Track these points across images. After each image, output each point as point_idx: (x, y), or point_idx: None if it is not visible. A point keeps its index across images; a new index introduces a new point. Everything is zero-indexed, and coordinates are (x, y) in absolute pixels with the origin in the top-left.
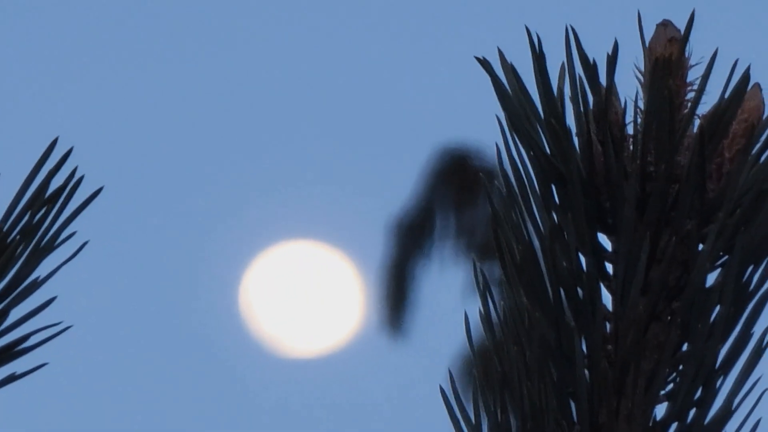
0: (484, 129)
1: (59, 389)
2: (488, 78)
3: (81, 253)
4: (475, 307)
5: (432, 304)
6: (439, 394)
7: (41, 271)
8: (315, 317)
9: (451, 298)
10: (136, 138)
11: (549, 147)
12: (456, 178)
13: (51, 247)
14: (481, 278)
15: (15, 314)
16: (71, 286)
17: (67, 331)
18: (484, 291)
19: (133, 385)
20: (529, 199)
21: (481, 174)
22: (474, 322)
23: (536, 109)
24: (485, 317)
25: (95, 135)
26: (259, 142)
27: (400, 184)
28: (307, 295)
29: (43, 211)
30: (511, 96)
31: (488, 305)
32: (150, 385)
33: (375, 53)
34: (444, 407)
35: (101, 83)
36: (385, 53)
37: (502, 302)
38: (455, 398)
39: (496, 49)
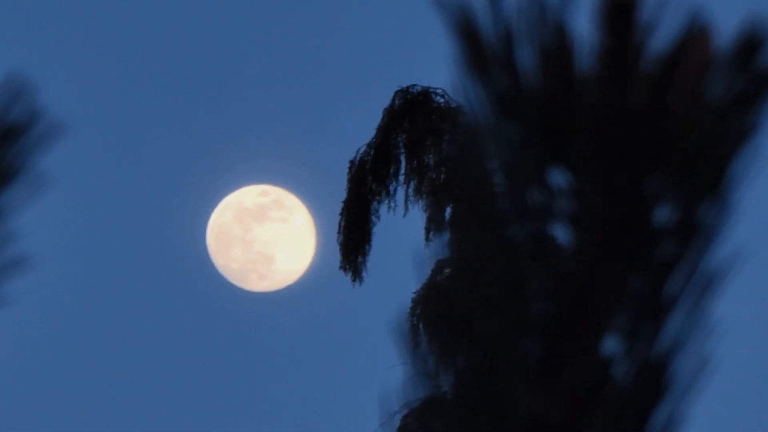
0: (440, 69)
1: (23, 325)
2: (442, 18)
3: (50, 188)
4: (431, 246)
5: (390, 243)
6: (393, 332)
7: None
8: (276, 255)
9: (409, 237)
10: (103, 78)
11: (504, 85)
12: (412, 120)
13: (11, 179)
14: (434, 218)
15: None
16: (37, 220)
17: (33, 268)
18: (437, 229)
19: (100, 319)
20: (485, 136)
21: (437, 115)
22: (429, 262)
23: (491, 48)
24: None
25: (62, 72)
26: (223, 88)
27: (359, 127)
28: (268, 234)
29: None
30: (466, 35)
31: (441, 241)
32: (116, 318)
33: (333, 2)
34: (396, 344)
35: (67, 21)
36: (340, 2)
37: (455, 240)
38: (407, 336)
39: None
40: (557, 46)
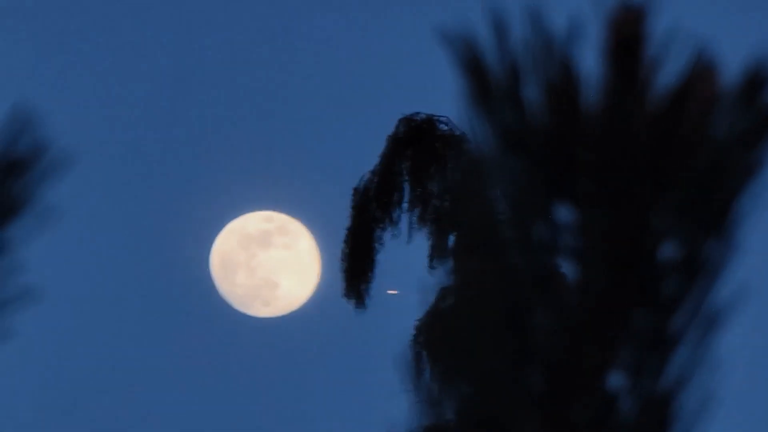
0: (444, 97)
1: (31, 353)
2: (449, 52)
3: (56, 221)
4: (435, 273)
5: (394, 271)
6: (395, 360)
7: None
8: (280, 281)
9: (413, 265)
10: (104, 106)
11: (510, 119)
12: (416, 147)
13: (17, 211)
14: (437, 247)
15: None
16: (42, 251)
17: (38, 300)
18: (441, 259)
19: (105, 348)
20: (490, 170)
21: (441, 143)
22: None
23: (497, 82)
24: (441, 284)
25: (64, 105)
26: (227, 115)
27: (363, 154)
28: (272, 260)
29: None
30: (472, 70)
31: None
32: (121, 346)
33: (339, 27)
34: (400, 373)
35: (69, 50)
36: (349, 27)
37: (459, 268)
38: (411, 364)
39: (458, 25)
40: (563, 81)
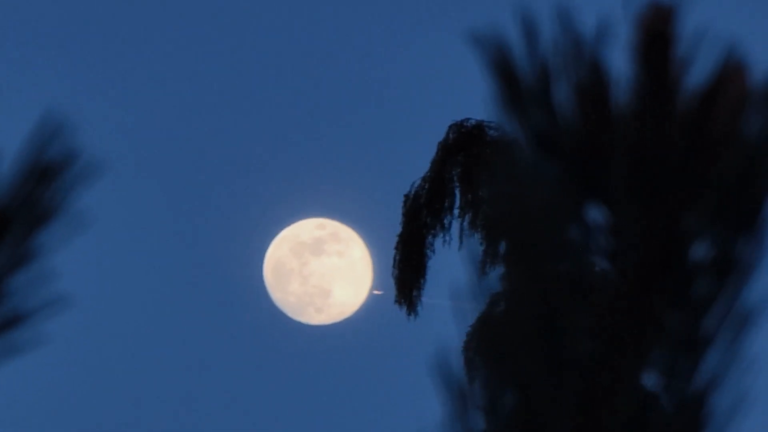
0: (489, 107)
1: (63, 362)
2: (479, 55)
3: (88, 227)
4: (486, 280)
5: (445, 277)
6: (436, 369)
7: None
8: (333, 288)
9: (464, 271)
10: (152, 113)
11: (541, 122)
12: (467, 153)
13: (48, 218)
14: (484, 254)
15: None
16: (76, 258)
17: (73, 307)
18: (485, 266)
19: (155, 355)
20: (523, 173)
21: (491, 149)
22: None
23: (527, 84)
24: (484, 292)
25: (106, 109)
26: (280, 122)
27: (414, 161)
28: (325, 267)
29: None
30: (502, 73)
31: (488, 280)
32: (172, 353)
33: (390, 34)
34: (440, 381)
35: (103, 57)
36: (396, 38)
37: (509, 274)
38: (462, 371)
39: (487, 27)
40: (593, 83)
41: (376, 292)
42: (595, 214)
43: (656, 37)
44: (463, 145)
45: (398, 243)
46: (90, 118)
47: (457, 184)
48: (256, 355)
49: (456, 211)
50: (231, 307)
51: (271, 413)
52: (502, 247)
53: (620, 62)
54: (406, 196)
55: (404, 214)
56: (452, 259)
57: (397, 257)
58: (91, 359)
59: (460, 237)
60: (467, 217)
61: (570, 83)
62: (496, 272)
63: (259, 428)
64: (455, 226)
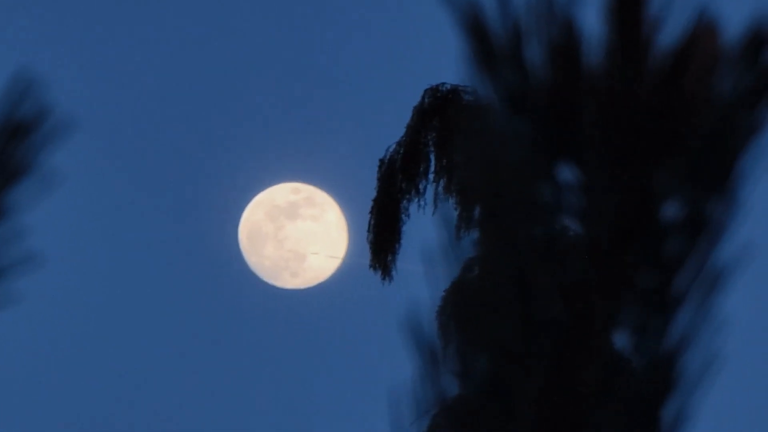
0: (462, 68)
1: (42, 323)
2: (451, 15)
3: (59, 185)
4: (461, 244)
5: (420, 242)
6: (407, 331)
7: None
8: (307, 252)
9: (439, 236)
10: (126, 73)
11: (513, 81)
12: (442, 118)
13: (20, 175)
14: (458, 218)
15: None
16: (58, 217)
17: (46, 265)
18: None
19: (126, 318)
20: (495, 132)
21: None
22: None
23: (499, 43)
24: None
25: (83, 67)
26: (253, 86)
27: (389, 125)
28: (300, 232)
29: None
30: (474, 32)
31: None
32: (146, 317)
33: (361, 2)
34: (413, 344)
35: (83, 15)
36: (371, 1)
37: (479, 241)
38: (437, 336)
39: None
40: (565, 42)
41: (313, 252)
42: (567, 174)
43: None
44: (438, 110)
45: (373, 208)
46: (61, 76)
47: (432, 149)
48: (231, 319)
49: (431, 176)
50: (206, 271)
51: (246, 376)
52: (477, 212)
53: (592, 21)
54: (381, 160)
55: (379, 179)
56: (427, 224)
57: (372, 222)
58: (62, 318)
59: (435, 202)
60: (442, 182)
61: (542, 43)
62: (471, 237)
63: (233, 391)
64: (430, 190)
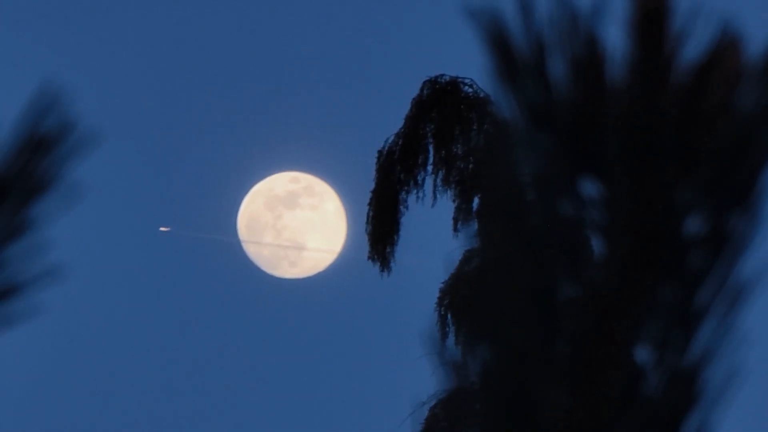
0: (468, 59)
1: (58, 332)
2: (475, 28)
3: (83, 198)
4: (459, 236)
5: (419, 233)
6: (421, 329)
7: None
8: (307, 242)
9: (438, 228)
10: (129, 77)
11: (536, 95)
12: (440, 109)
13: (43, 189)
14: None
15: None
16: (72, 227)
17: (66, 277)
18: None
19: (133, 315)
20: (517, 145)
21: (465, 106)
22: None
23: (523, 57)
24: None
25: (90, 80)
26: (254, 78)
27: (389, 116)
28: (299, 221)
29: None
30: (498, 46)
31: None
32: (150, 310)
33: None
34: (425, 339)
35: (94, 30)
36: None
37: (484, 231)
38: (435, 327)
39: (486, 3)
40: (588, 56)
41: (163, 228)
42: (590, 188)
43: (652, 12)
44: (436, 102)
45: (372, 199)
46: (85, 90)
47: (431, 141)
48: (230, 308)
49: (429, 168)
50: (205, 261)
51: (245, 365)
52: (476, 203)
53: (615, 36)
54: (380, 152)
55: (378, 171)
56: (426, 216)
57: (371, 213)
58: (82, 327)
59: (434, 193)
60: (440, 174)
61: (565, 57)
62: (470, 229)
63: (232, 379)
64: (428, 182)
